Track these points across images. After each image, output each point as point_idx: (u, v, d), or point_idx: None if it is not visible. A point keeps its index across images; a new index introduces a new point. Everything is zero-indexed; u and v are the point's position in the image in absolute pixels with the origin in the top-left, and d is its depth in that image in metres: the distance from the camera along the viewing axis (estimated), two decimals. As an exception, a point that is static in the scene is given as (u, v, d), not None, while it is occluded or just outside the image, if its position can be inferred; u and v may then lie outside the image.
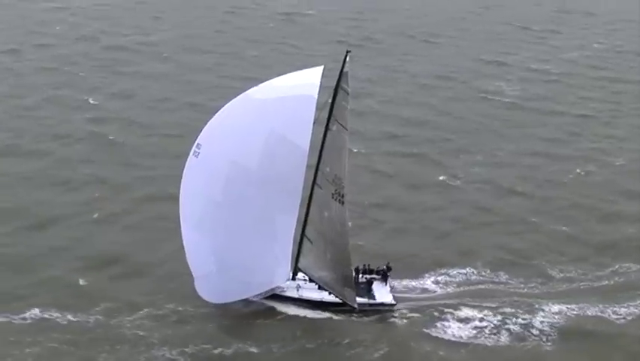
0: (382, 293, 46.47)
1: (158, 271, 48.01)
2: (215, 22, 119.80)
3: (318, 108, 41.03)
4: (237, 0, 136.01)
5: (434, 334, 44.07)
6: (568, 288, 49.49)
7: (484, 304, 46.66)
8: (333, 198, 42.98)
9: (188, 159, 42.68)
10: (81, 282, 46.96)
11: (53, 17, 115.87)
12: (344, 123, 41.69)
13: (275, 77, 43.65)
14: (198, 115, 70.45)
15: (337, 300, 45.19)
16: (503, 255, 53.49)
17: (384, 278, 47.46)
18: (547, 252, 54.32)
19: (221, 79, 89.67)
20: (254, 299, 45.06)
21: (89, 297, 45.32)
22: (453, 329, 44.33)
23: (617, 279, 51.00)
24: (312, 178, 43.09)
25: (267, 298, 45.28)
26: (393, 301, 45.93)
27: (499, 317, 45.46)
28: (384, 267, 47.52)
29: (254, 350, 41.50)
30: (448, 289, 48.72)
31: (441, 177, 66.24)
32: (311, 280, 46.14)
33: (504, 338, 44.00)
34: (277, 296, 45.42)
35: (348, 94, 41.41)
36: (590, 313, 46.36)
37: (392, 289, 46.97)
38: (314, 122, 40.80)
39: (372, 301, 45.84)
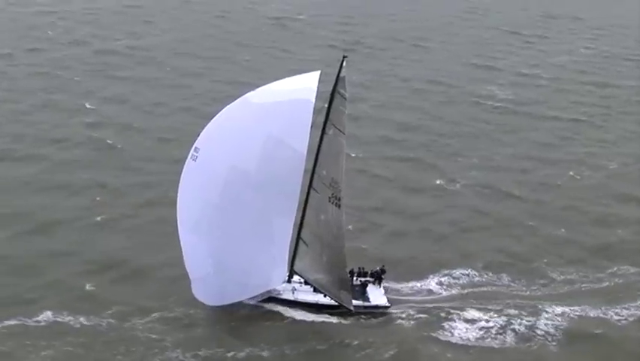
0: (376, 296, 47.07)
1: (163, 275, 48.25)
2: (206, 27, 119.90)
3: (316, 113, 41.38)
4: (228, 4, 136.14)
5: (441, 336, 44.69)
6: (569, 290, 50.29)
7: (489, 307, 47.40)
8: (329, 201, 43.43)
9: (186, 163, 43.07)
10: (87, 286, 47.17)
11: (44, 21, 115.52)
12: (341, 128, 42.10)
13: (267, 81, 44.22)
14: (194, 119, 71.68)
15: (332, 302, 45.63)
16: (503, 257, 54.24)
17: (379, 281, 47.95)
18: (546, 254, 55.08)
19: (214, 83, 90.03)
20: (250, 302, 45.43)
21: (98, 300, 45.62)
22: (460, 331, 44.94)
23: (616, 280, 51.89)
24: (309, 182, 43.49)
25: (263, 300, 45.70)
26: (387, 304, 46.53)
27: (504, 319, 46.15)
28: (378, 269, 48.05)
29: (265, 353, 41.97)
30: (452, 291, 49.42)
31: (437, 181, 66.88)
32: (306, 283, 46.53)
33: (510, 339, 44.67)
34: (273, 299, 45.83)
35: (345, 99, 41.80)
36: (592, 315, 47.20)
37: (386, 292, 47.52)
38: (311, 127, 41.21)
39: (366, 304, 46.37)
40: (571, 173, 70.67)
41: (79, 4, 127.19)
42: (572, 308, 47.52)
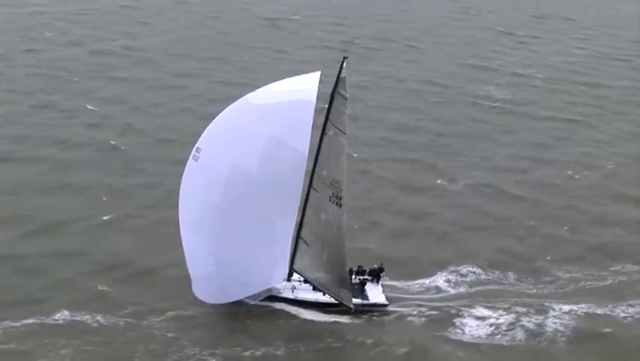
0: (375, 294, 47.68)
1: (172, 274, 48.54)
2: (201, 27, 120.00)
3: (317, 113, 41.93)
4: (222, 5, 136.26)
5: (452, 335, 45.48)
6: (575, 288, 51.13)
7: (496, 305, 48.12)
8: (330, 201, 43.98)
9: (188, 163, 43.54)
10: (99, 286, 47.66)
11: (39, 22, 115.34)
12: (342, 128, 42.59)
13: (264, 81, 44.84)
14: (194, 120, 72.78)
15: (332, 301, 46.28)
16: (507, 256, 54.97)
17: (377, 279, 48.59)
18: (549, 253, 55.82)
19: (211, 84, 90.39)
20: (250, 302, 45.92)
21: (111, 300, 46.19)
22: (470, 329, 45.71)
23: (620, 278, 52.73)
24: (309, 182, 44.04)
25: (263, 299, 46.22)
26: (386, 302, 47.14)
27: (513, 317, 46.91)
28: (375, 266, 48.73)
29: (281, 352, 42.69)
30: (460, 290, 50.12)
31: (438, 181, 67.63)
32: (306, 281, 47.17)
33: (519, 337, 45.45)
34: (273, 298, 46.38)
35: (345, 99, 42.25)
36: (599, 313, 48.04)
37: (385, 290, 48.20)
38: (313, 127, 41.76)
39: (365, 302, 46.98)
40: (569, 173, 71.49)
41: (74, 5, 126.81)
42: (578, 306, 48.30)
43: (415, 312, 47.05)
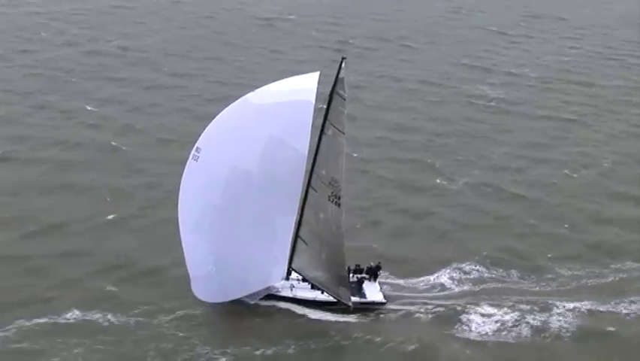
0: (372, 292, 48.08)
1: (177, 274, 48.36)
2: (196, 27, 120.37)
3: (316, 113, 42.27)
4: (216, 5, 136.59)
5: (459, 332, 45.99)
6: (577, 285, 51.73)
7: (500, 303, 48.68)
8: (329, 200, 44.27)
9: (188, 163, 43.84)
10: (107, 286, 47.95)
11: (35, 22, 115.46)
12: (341, 128, 42.90)
13: (261, 81, 45.42)
14: (193, 120, 73.35)
15: (330, 299, 46.69)
16: (508, 254, 55.52)
17: (374, 277, 48.96)
18: (549, 251, 56.46)
19: (208, 84, 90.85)
20: (250, 301, 46.23)
21: (120, 299, 46.50)
22: (476, 326, 46.21)
23: (621, 276, 53.42)
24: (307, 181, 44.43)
25: (262, 298, 46.58)
26: (383, 300, 47.54)
27: (517, 314, 47.44)
28: (372, 264, 49.13)
29: (291, 350, 43.13)
30: (464, 288, 50.65)
31: (437, 180, 68.20)
32: (304, 280, 47.54)
33: (525, 335, 45.99)
34: (272, 296, 46.73)
35: (344, 99, 42.55)
36: (602, 310, 48.71)
37: (382, 288, 48.72)
38: (312, 127, 42.16)
39: (363, 300, 47.38)
40: (566, 172, 72.23)
41: (68, 5, 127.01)
42: (581, 303, 48.92)
43: (421, 310, 47.53)
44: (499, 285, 51.40)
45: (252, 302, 46.10)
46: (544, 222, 61.28)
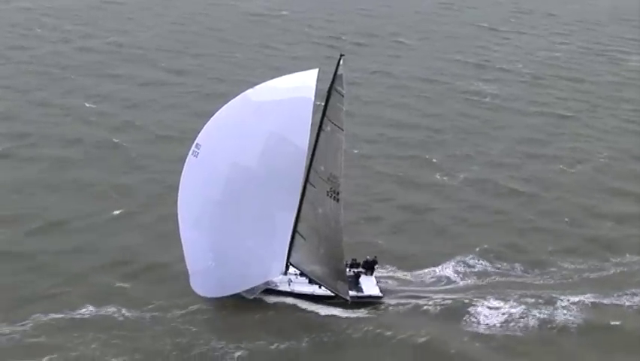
0: (369, 286, 48.64)
1: (184, 269, 47.99)
2: (189, 24, 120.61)
3: (316, 110, 42.73)
4: (208, 0, 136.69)
5: (467, 325, 46.76)
6: (580, 279, 52.55)
7: (505, 296, 49.32)
8: (327, 195, 44.74)
9: (187, 159, 44.30)
10: (116, 281, 48.31)
11: (28, 18, 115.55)
12: (339, 124, 43.38)
13: (258, 78, 46.28)
14: (191, 116, 73.33)
15: (328, 293, 47.24)
16: (509, 249, 56.23)
17: (371, 271, 49.56)
18: (550, 245, 57.21)
19: (205, 80, 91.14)
20: (248, 296, 46.67)
21: (130, 295, 46.87)
22: (484, 320, 46.92)
23: (622, 269, 54.35)
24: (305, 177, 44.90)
25: (260, 293, 47.04)
26: (380, 294, 48.15)
27: (524, 307, 48.14)
28: (368, 258, 49.73)
29: (305, 344, 43.75)
30: (468, 281, 51.37)
31: (437, 176, 68.87)
32: (302, 275, 48.04)
33: (532, 327, 46.82)
34: (270, 291, 47.21)
35: (342, 96, 43.03)
36: (606, 302, 49.60)
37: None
38: (312, 124, 42.61)
39: (360, 294, 47.97)
40: (562, 167, 73.12)
41: (59, 1, 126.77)
42: (585, 296, 49.73)
43: (429, 303, 48.24)
44: (503, 279, 52.08)
45: (251, 297, 46.53)
46: (542, 217, 62.13)
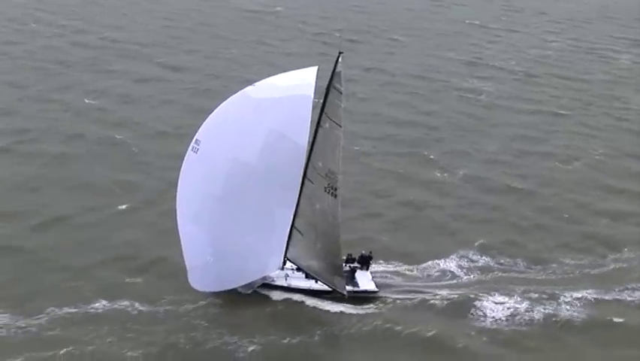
0: (365, 281, 49.29)
1: None
2: (183, 20, 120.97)
3: (315, 107, 43.16)
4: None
5: (473, 321, 47.56)
6: (580, 274, 53.50)
7: (509, 291, 50.25)
8: (325, 191, 45.14)
9: (187, 155, 44.64)
10: (127, 277, 48.75)
11: (23, 13, 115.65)
12: (337, 121, 43.85)
13: (254, 74, 46.64)
14: (190, 113, 74.18)
15: (324, 288, 47.82)
16: (510, 245, 57.05)
17: (366, 266, 50.19)
18: (550, 242, 58.18)
19: (202, 77, 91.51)
20: (245, 291, 47.20)
21: (141, 290, 47.40)
22: (490, 314, 47.82)
23: (621, 265, 55.36)
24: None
25: (257, 287, 47.61)
26: (375, 289, 48.81)
27: (528, 303, 49.07)
28: (363, 253, 50.33)
29: (317, 338, 44.48)
30: (471, 277, 52.17)
31: (436, 173, 69.69)
32: (299, 270, 48.59)
33: (537, 323, 47.72)
34: (267, 286, 47.73)
35: (341, 93, 43.53)
36: (608, 298, 50.64)
37: (374, 277, 50.02)
38: (311, 121, 43.03)
39: (356, 289, 48.57)
40: (558, 165, 74.11)
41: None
42: (587, 292, 50.70)
43: (434, 298, 49.05)
44: (506, 274, 52.88)
45: (248, 292, 47.12)
46: (540, 213, 63.09)
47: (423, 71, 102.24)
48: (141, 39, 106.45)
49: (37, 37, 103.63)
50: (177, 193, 45.44)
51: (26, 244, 51.84)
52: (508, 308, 48.54)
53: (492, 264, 54.12)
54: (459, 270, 52.94)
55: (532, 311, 48.52)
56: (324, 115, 44.05)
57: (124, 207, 58.00)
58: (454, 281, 51.76)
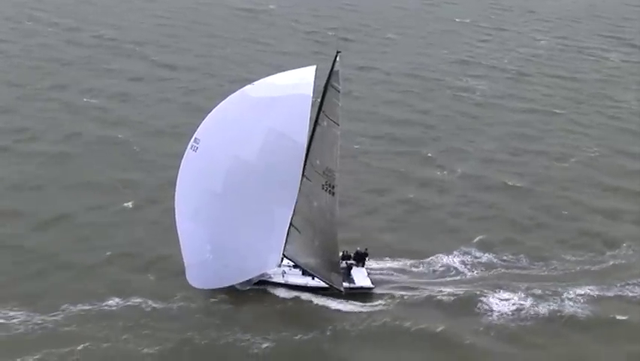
0: (360, 277, 49.97)
1: None
2: (177, 18, 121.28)
3: (314, 106, 43.91)
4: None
5: (479, 317, 48.46)
6: (582, 270, 54.60)
7: (513, 288, 51.20)
8: (323, 189, 45.78)
9: (186, 153, 45.16)
10: (134, 274, 49.37)
11: (18, 12, 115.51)
12: (335, 119, 44.51)
13: (250, 74, 47.03)
14: (187, 112, 74.94)
15: (321, 285, 48.46)
16: (511, 242, 58.04)
17: (362, 263, 50.87)
18: (550, 239, 59.14)
19: (198, 76, 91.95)
20: (242, 288, 47.80)
21: (151, 287, 47.94)
22: (496, 310, 48.77)
23: (620, 261, 56.48)
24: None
25: (255, 284, 48.18)
26: (371, 285, 49.50)
27: (532, 299, 50.02)
28: (359, 250, 51.03)
29: (329, 332, 45.34)
30: (474, 273, 53.16)
31: (436, 172, 70.42)
32: (295, 267, 49.18)
33: (542, 317, 48.77)
34: (264, 282, 48.30)
35: (338, 92, 44.30)
36: (610, 294, 51.72)
37: (369, 274, 50.74)
38: (310, 119, 43.68)
39: (352, 285, 49.25)
40: (554, 163, 75.02)
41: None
42: (589, 288, 51.73)
43: (441, 295, 49.90)
44: (508, 271, 53.81)
45: (246, 288, 47.72)
46: (539, 211, 64.07)
47: (416, 70, 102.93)
48: (136, 37, 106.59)
49: (33, 35, 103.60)
50: (176, 191, 45.98)
51: (30, 243, 52.26)
52: (514, 305, 49.43)
53: (494, 260, 54.97)
54: (462, 266, 53.85)
55: (537, 307, 49.45)
56: (322, 113, 44.73)
57: (126, 205, 58.44)
58: (458, 278, 52.67)
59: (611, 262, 56.23)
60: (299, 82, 43.96)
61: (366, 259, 51.06)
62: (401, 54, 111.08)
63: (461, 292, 50.39)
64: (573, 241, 59.65)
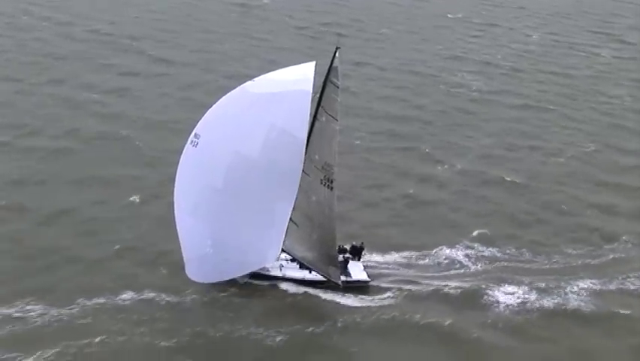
0: (357, 271, 50.58)
1: None
2: (172, 12, 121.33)
3: (313, 102, 44.38)
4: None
5: (485, 310, 49.40)
6: (583, 264, 55.66)
7: (517, 282, 52.12)
8: (321, 183, 46.35)
9: (185, 149, 45.62)
10: (141, 268, 49.72)
11: (14, 7, 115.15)
12: (334, 115, 45.08)
13: (248, 69, 47.43)
14: (186, 108, 75.12)
15: (319, 278, 49.07)
16: (512, 237, 58.91)
17: (359, 257, 51.52)
18: (550, 233, 60.09)
19: (197, 72, 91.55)
20: (239, 281, 48.27)
21: (162, 281, 48.30)
22: (502, 303, 49.69)
23: (620, 255, 57.63)
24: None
25: (251, 277, 48.72)
26: (368, 279, 50.15)
27: (536, 292, 51.00)
28: (354, 243, 51.74)
29: (339, 324, 46.12)
30: (478, 267, 53.98)
31: (437, 167, 71.23)
32: (293, 260, 49.74)
33: (547, 308, 49.81)
34: (261, 276, 48.76)
35: (337, 87, 44.89)
36: (612, 287, 52.82)
37: (366, 268, 51.41)
38: (309, 115, 44.22)
39: (349, 279, 49.84)
40: (551, 158, 76.07)
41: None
42: (592, 282, 52.78)
43: (446, 288, 50.82)
44: (511, 264, 54.72)
45: (243, 282, 48.31)
46: (537, 206, 65.08)
47: (411, 66, 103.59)
48: (132, 32, 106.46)
49: (29, 30, 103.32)
50: (175, 186, 46.48)
51: (37, 237, 52.50)
52: (519, 298, 50.35)
53: (497, 254, 55.85)
54: (466, 259, 54.62)
55: (542, 301, 50.40)
56: (320, 108, 45.30)
57: (131, 199, 58.67)
58: (462, 271, 53.46)
59: (611, 256, 57.31)
60: (299, 78, 44.40)
61: (363, 253, 51.69)
62: (395, 50, 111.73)
63: (467, 286, 51.26)
64: (572, 234, 60.63)
